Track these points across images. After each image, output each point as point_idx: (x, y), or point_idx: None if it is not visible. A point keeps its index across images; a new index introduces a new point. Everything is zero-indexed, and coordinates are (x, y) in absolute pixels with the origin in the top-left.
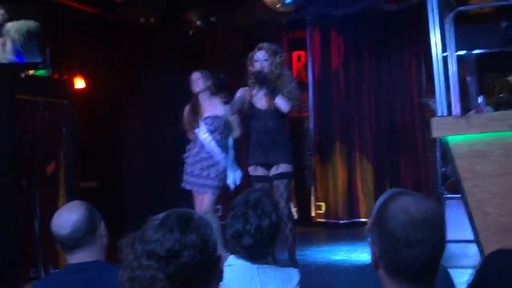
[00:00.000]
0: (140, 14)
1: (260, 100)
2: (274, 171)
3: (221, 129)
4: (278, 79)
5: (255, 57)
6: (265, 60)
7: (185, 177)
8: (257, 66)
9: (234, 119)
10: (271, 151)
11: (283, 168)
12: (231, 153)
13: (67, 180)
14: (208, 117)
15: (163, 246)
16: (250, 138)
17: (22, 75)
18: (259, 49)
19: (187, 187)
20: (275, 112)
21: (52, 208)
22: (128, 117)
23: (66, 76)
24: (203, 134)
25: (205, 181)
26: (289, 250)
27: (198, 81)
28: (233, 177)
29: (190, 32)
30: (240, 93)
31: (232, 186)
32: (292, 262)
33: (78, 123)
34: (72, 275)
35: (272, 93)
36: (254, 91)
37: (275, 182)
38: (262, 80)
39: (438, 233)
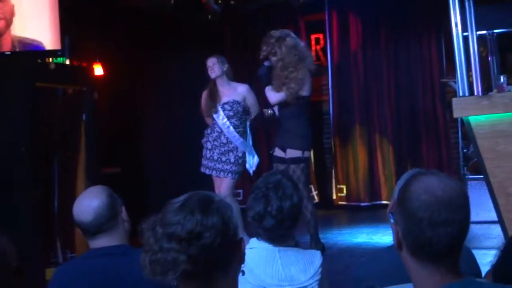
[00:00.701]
0: None
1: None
2: (286, 155)
3: (239, 114)
4: (277, 64)
5: None
6: (265, 54)
7: (204, 162)
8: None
9: (253, 106)
10: (284, 136)
11: (290, 153)
12: (249, 138)
13: (88, 166)
14: (226, 103)
15: (184, 228)
16: None
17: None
18: None
19: (207, 172)
20: (287, 101)
21: (70, 193)
22: (147, 102)
23: (85, 63)
24: (222, 119)
25: (224, 166)
26: (312, 232)
27: (214, 66)
28: (251, 162)
29: (209, 17)
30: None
31: (250, 170)
32: (316, 243)
33: (98, 109)
34: (95, 259)
35: (265, 85)
36: None
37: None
38: (260, 75)
39: (463, 213)
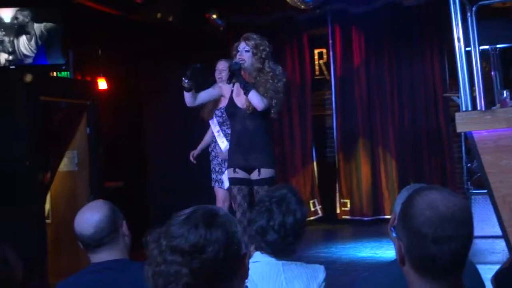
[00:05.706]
0: (161, 14)
1: (239, 98)
2: (255, 176)
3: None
4: (258, 73)
5: (238, 48)
6: (246, 51)
7: (212, 176)
8: (236, 57)
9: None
10: (251, 154)
11: (264, 173)
12: None
13: (91, 180)
14: (218, 109)
15: (188, 241)
16: (230, 139)
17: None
18: (242, 39)
19: (215, 185)
20: (254, 111)
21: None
22: (151, 117)
23: (89, 77)
24: (214, 126)
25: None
26: None
27: (223, 72)
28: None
29: (213, 31)
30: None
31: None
32: None
33: (102, 123)
34: (96, 274)
35: (244, 88)
36: (235, 88)
37: (255, 187)
38: (234, 72)
39: (466, 229)
